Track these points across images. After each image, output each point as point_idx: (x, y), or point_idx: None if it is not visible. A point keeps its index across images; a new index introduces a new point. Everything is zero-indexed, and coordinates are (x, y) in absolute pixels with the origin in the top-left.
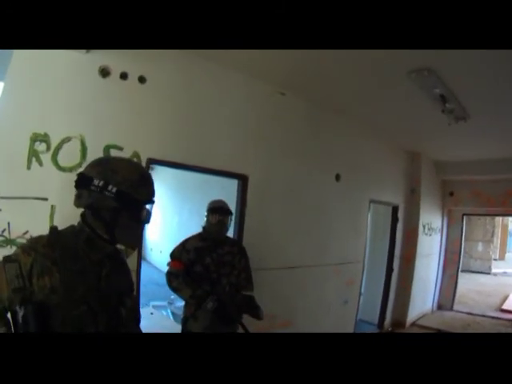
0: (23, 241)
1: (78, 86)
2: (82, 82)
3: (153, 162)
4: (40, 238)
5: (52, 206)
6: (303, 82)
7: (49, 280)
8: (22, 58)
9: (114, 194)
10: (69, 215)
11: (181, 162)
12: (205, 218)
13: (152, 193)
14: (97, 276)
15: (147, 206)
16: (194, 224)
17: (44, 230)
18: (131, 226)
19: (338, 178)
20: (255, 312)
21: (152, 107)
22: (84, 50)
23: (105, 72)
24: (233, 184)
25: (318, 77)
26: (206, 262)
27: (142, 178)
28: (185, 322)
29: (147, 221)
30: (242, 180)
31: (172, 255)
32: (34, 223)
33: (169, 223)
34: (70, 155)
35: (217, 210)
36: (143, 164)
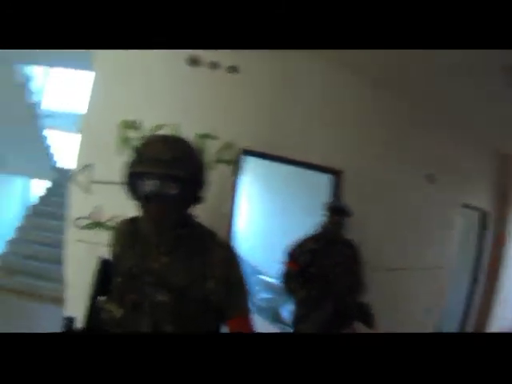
0: (111, 224)
1: (170, 74)
2: (174, 70)
3: (247, 152)
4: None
5: None
6: (395, 78)
7: (112, 248)
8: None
9: None
10: None
11: (273, 153)
12: (324, 218)
13: (132, 163)
14: (144, 256)
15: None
16: (287, 220)
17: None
18: (140, 205)
19: (430, 179)
20: (368, 320)
21: (244, 97)
22: None
23: (194, 61)
24: (322, 179)
25: (410, 74)
26: (322, 264)
27: (133, 150)
28: (297, 323)
29: (144, 195)
30: (336, 175)
31: (289, 256)
32: (124, 208)
33: (257, 217)
34: None
35: (338, 210)
36: (236, 154)
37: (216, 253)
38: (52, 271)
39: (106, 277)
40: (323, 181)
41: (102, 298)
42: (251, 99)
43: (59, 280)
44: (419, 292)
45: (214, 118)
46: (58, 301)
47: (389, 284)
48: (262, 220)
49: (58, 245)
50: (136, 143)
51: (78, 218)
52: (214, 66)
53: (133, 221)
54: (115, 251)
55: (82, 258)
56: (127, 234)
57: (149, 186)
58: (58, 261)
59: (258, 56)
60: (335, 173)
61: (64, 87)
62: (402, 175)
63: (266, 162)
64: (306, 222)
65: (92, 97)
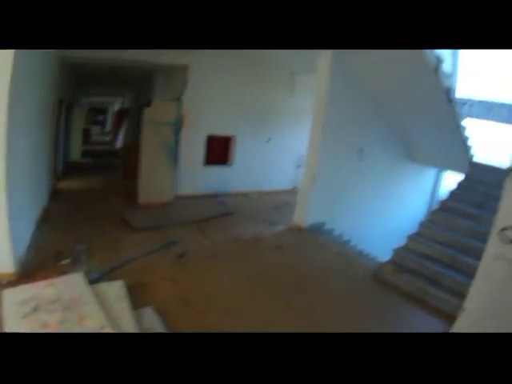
0: None
1: None
2: None
3: None
4: None
5: None
6: None
7: None
8: None
9: None
10: None
11: None
12: None
13: None
14: None
15: None
16: None
17: None
18: None
19: None
20: None
21: None
22: None
23: None
24: None
25: None
26: None
27: None
28: None
29: None
30: None
31: None
32: None
33: None
34: None
35: None
36: None
37: None
38: (446, 278)
39: None
40: None
41: None
42: None
43: (453, 291)
44: None
45: None
46: (441, 314)
47: None
48: None
49: (461, 249)
50: None
51: (505, 229)
52: None
53: None
54: None
55: (499, 280)
56: None
57: None
58: (457, 268)
59: None
60: None
61: (477, 71)
62: None
63: None
64: None
65: None
